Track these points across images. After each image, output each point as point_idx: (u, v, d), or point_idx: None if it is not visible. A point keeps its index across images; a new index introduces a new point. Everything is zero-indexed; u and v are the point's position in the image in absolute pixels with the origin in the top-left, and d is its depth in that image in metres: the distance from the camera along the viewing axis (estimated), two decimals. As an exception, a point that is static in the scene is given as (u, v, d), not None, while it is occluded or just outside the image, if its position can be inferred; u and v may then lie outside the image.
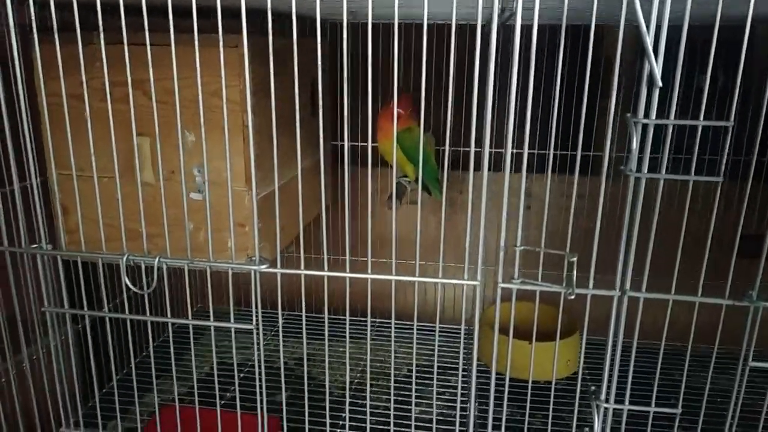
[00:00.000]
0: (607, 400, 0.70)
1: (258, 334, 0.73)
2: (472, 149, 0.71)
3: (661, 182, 0.64)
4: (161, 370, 0.84)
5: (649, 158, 0.63)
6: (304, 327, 0.81)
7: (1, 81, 0.71)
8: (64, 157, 0.81)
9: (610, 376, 0.70)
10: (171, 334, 0.77)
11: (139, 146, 1.04)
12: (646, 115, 0.62)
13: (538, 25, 0.62)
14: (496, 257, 0.70)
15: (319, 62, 0.65)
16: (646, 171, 0.63)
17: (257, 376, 0.74)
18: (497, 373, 1.23)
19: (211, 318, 0.73)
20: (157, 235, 0.98)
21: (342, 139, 1.54)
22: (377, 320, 1.58)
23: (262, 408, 0.75)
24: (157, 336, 1.37)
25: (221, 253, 1.07)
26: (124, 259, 0.72)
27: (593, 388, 0.71)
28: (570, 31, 0.63)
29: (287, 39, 0.67)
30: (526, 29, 0.61)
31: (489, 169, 0.66)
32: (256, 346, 0.73)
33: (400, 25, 0.63)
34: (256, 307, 0.72)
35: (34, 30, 0.71)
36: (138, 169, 0.85)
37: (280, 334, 0.73)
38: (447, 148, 0.68)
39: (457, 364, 1.33)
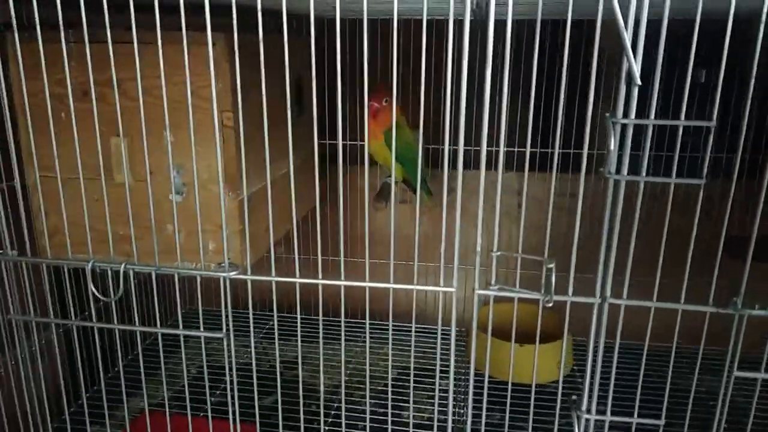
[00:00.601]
0: (588, 411, 0.68)
1: (229, 341, 0.71)
2: (447, 147, 0.69)
3: (642, 184, 0.61)
4: (147, 373, 0.82)
5: (630, 155, 0.61)
6: (276, 332, 0.78)
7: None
8: (42, 158, 0.79)
9: (591, 385, 0.67)
10: (140, 346, 0.74)
11: (115, 147, 1.02)
12: (625, 114, 0.59)
13: (528, 21, 0.59)
14: (475, 262, 0.67)
15: (313, 59, 0.62)
16: (625, 173, 0.60)
17: (228, 384, 0.72)
18: (489, 377, 1.21)
19: (180, 326, 0.71)
20: (138, 238, 0.96)
21: (335, 138, 1.51)
22: (355, 322, 1.53)
23: (234, 415, 0.73)
24: (143, 340, 1.36)
25: (196, 255, 1.05)
26: (89, 265, 0.69)
27: (574, 397, 0.69)
28: (563, 25, 0.60)
29: (268, 36, 0.64)
30: (511, 24, 0.58)
31: (476, 168, 0.64)
32: (226, 353, 0.70)
33: (398, 21, 0.60)
34: (227, 315, 0.70)
35: (14, 27, 0.69)
36: (104, 170, 0.82)
37: (252, 342, 0.71)
38: (421, 148, 0.65)
39: (443, 367, 1.31)
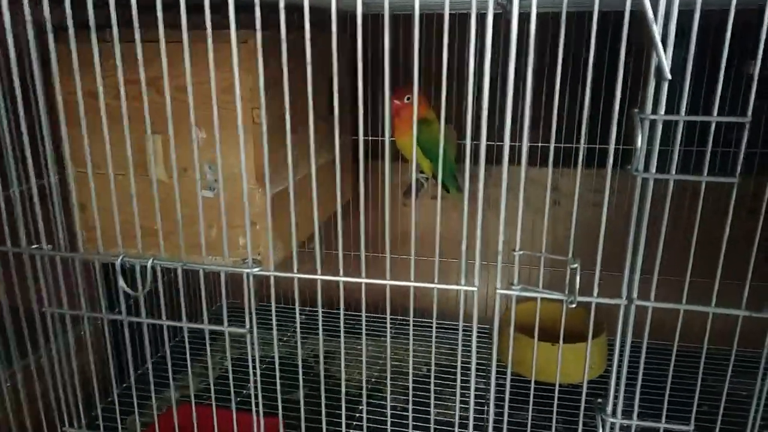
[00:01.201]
0: (614, 414, 0.66)
1: (252, 336, 0.72)
2: (483, 143, 0.67)
3: (671, 182, 0.59)
4: (176, 368, 0.84)
5: (659, 151, 0.58)
6: (298, 328, 0.78)
7: (18, 81, 0.71)
8: (78, 154, 0.81)
9: (617, 389, 0.65)
10: (167, 340, 0.76)
11: (152, 144, 1.05)
12: (654, 110, 0.57)
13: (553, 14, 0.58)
14: (498, 260, 0.66)
15: (335, 56, 0.62)
16: (654, 171, 0.58)
17: (251, 377, 0.73)
18: (519, 375, 1.19)
19: (205, 321, 0.72)
20: (172, 233, 0.98)
21: (369, 135, 1.52)
22: (380, 317, 1.53)
23: (257, 407, 0.74)
24: (174, 335, 1.39)
25: (233, 251, 1.06)
26: (119, 260, 0.71)
27: (599, 400, 0.67)
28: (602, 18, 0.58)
29: (301, 33, 0.64)
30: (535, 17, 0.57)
31: (513, 163, 0.62)
32: (249, 348, 0.71)
33: (420, 15, 0.60)
34: (250, 311, 0.71)
35: (49, 28, 0.71)
36: (139, 166, 0.84)
37: (275, 337, 0.72)
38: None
39: (480, 365, 1.30)
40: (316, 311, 0.70)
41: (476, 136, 0.63)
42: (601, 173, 1.31)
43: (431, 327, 0.73)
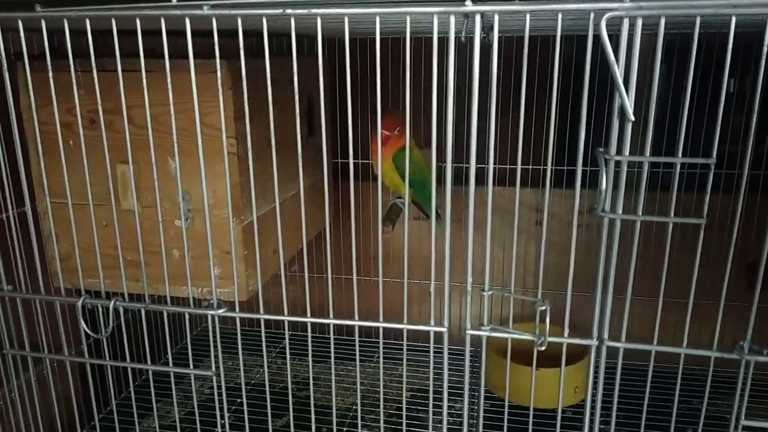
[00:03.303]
0: (588, 455, 0.65)
1: (219, 378, 0.70)
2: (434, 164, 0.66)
3: (638, 223, 0.58)
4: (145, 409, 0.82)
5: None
6: (265, 350, 0.77)
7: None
8: (51, 185, 0.79)
9: (591, 425, 0.64)
10: (131, 382, 0.74)
11: (122, 173, 1.03)
12: (619, 151, 0.56)
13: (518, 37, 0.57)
14: (467, 301, 0.65)
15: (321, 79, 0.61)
16: (620, 212, 0.57)
17: (218, 420, 0.71)
18: (500, 399, 1.17)
19: (170, 362, 0.70)
20: (145, 263, 0.97)
21: (346, 157, 1.50)
22: (366, 340, 1.49)
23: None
24: (140, 375, 1.35)
25: (207, 280, 1.04)
26: (80, 302, 0.69)
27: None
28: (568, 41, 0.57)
29: (275, 59, 0.63)
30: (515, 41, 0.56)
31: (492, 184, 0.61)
32: (216, 392, 0.69)
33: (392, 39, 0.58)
34: (216, 355, 0.69)
35: (25, 57, 0.69)
36: (110, 196, 0.82)
37: (242, 374, 0.70)
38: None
39: (457, 389, 1.28)
40: (298, 335, 0.68)
41: (441, 158, 0.62)
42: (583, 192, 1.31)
43: (409, 354, 0.71)
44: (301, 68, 0.64)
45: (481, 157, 0.59)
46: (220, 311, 0.68)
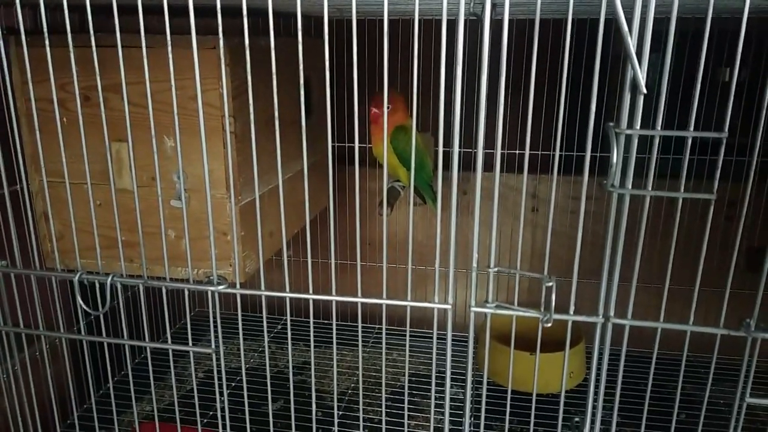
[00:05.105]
0: (591, 434, 0.64)
1: (219, 357, 0.69)
2: (440, 149, 0.65)
3: (648, 198, 0.57)
4: (144, 386, 0.80)
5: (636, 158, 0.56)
6: (266, 338, 0.76)
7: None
8: (45, 163, 0.78)
9: (594, 409, 0.64)
10: (128, 360, 0.73)
11: (116, 152, 1.01)
12: (630, 124, 0.55)
13: (541, 19, 0.56)
14: (473, 277, 0.64)
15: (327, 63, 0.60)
16: (630, 187, 0.57)
17: (218, 397, 0.70)
18: (497, 385, 1.17)
19: (169, 340, 0.69)
20: (139, 244, 0.95)
21: (342, 141, 1.49)
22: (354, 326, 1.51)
23: (225, 429, 0.71)
24: (138, 353, 1.35)
25: (203, 262, 1.03)
26: (77, 278, 0.68)
27: (576, 419, 0.66)
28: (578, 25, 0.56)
29: (268, 38, 0.62)
30: (516, 23, 0.55)
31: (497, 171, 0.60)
32: (215, 369, 0.68)
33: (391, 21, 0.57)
34: (215, 330, 0.68)
35: (22, 31, 0.67)
36: (105, 175, 0.81)
37: (242, 354, 0.69)
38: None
39: (458, 375, 1.28)
40: (294, 321, 0.67)
41: (448, 143, 0.61)
42: (579, 180, 1.31)
43: (411, 338, 0.70)
44: (296, 49, 0.62)
45: (488, 142, 0.59)
46: (221, 287, 0.67)
